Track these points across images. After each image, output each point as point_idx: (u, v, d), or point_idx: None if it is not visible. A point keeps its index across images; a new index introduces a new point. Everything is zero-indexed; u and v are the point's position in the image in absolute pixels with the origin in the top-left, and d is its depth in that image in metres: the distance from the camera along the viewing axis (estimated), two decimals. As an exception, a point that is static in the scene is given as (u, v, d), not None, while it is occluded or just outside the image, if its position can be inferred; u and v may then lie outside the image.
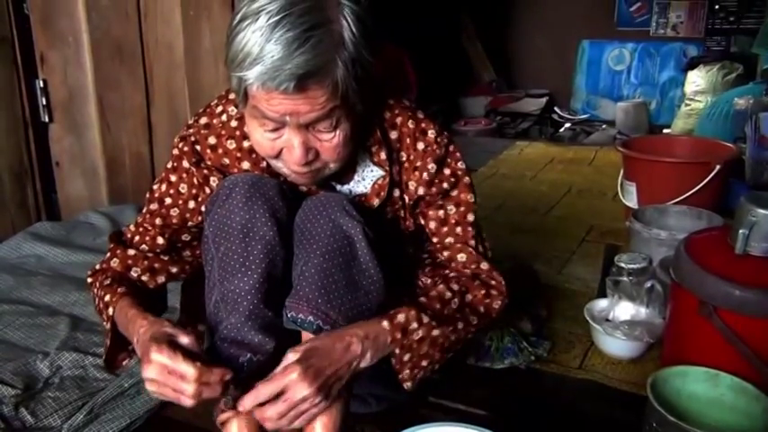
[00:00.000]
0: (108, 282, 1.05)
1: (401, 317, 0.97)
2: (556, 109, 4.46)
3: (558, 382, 1.40)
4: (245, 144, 1.07)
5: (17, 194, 2.15)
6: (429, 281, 1.11)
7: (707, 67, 3.65)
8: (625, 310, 1.52)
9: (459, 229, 1.12)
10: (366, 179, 1.11)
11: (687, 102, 3.70)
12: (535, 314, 1.58)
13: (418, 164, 1.09)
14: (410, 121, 1.09)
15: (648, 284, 1.53)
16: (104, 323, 1.04)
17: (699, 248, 1.29)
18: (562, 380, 1.41)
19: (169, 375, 0.83)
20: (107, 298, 1.02)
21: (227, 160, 1.07)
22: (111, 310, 1.00)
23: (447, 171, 1.10)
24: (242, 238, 0.96)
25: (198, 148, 1.09)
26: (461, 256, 1.10)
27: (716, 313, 1.21)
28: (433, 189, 1.09)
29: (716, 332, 1.21)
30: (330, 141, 0.94)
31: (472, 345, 1.46)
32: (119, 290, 1.02)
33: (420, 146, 1.09)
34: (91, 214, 2.17)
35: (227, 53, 0.89)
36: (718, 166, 1.93)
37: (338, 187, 1.11)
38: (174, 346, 0.84)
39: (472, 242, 1.11)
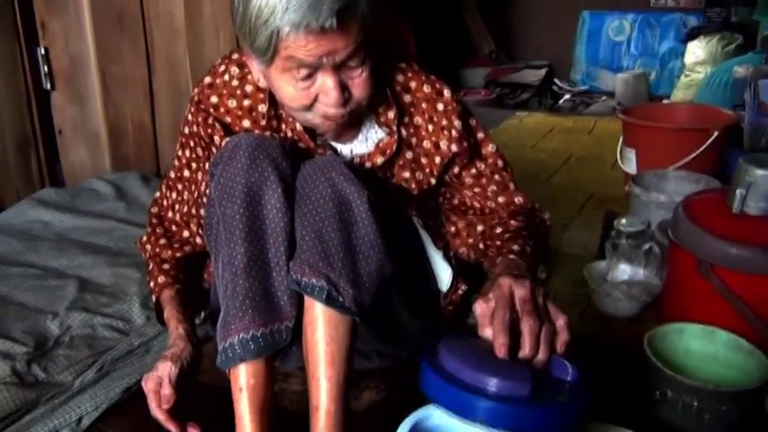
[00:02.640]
0: (150, 266, 1.21)
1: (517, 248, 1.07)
2: (555, 80, 4.46)
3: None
4: (246, 103, 1.09)
5: (21, 163, 2.17)
6: (469, 232, 1.23)
7: (707, 37, 3.65)
8: (623, 271, 1.55)
9: (497, 177, 1.22)
10: (369, 140, 1.13)
11: (687, 72, 3.70)
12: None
13: (444, 122, 1.13)
14: (425, 85, 1.13)
15: (647, 247, 1.55)
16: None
17: (697, 209, 1.32)
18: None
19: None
20: (151, 284, 1.19)
21: (228, 119, 1.10)
22: (153, 298, 1.19)
23: (472, 123, 1.18)
24: (248, 201, 0.96)
25: (202, 107, 1.11)
26: (518, 199, 1.22)
27: (713, 271, 1.24)
28: (465, 144, 1.15)
29: (713, 290, 1.24)
30: (360, 77, 0.98)
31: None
32: (160, 279, 1.17)
33: (440, 107, 1.13)
34: (95, 181, 2.19)
35: (242, 16, 0.91)
36: (716, 133, 1.95)
37: (339, 147, 1.13)
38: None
39: (512, 185, 1.23)
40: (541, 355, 0.87)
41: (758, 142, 2.04)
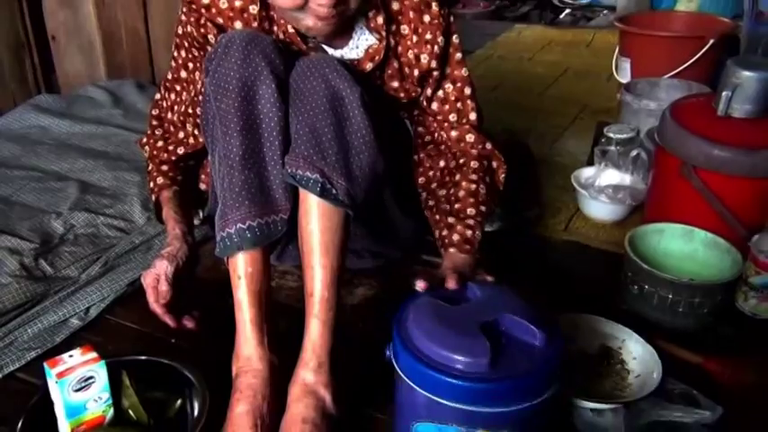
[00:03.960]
0: (150, 167, 1.26)
1: (458, 238, 1.14)
2: (557, -8, 4.35)
3: (543, 243, 1.48)
4: (237, 3, 1.09)
5: (16, 69, 2.16)
6: (431, 164, 1.26)
7: (713, -54, 3.54)
8: (611, 176, 1.59)
9: (459, 105, 1.22)
10: (360, 47, 1.14)
11: (690, -16, 3.62)
12: (524, 182, 1.64)
13: (428, 36, 1.15)
14: None
15: (634, 153, 1.58)
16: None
17: (683, 112, 1.34)
18: (548, 241, 1.49)
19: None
20: (150, 184, 1.25)
21: (220, 20, 1.10)
22: (153, 197, 1.25)
23: (455, 42, 1.19)
24: (242, 95, 0.98)
25: (194, 7, 1.11)
26: (470, 137, 1.22)
27: (695, 173, 1.27)
28: (444, 65, 1.18)
29: (694, 191, 1.28)
30: None
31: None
32: (158, 180, 1.23)
33: (426, 18, 1.14)
34: (90, 88, 2.19)
35: None
36: (712, 40, 1.94)
37: (330, 51, 1.14)
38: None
39: (473, 116, 1.23)
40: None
41: (755, 52, 2.03)
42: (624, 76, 2.13)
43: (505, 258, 1.39)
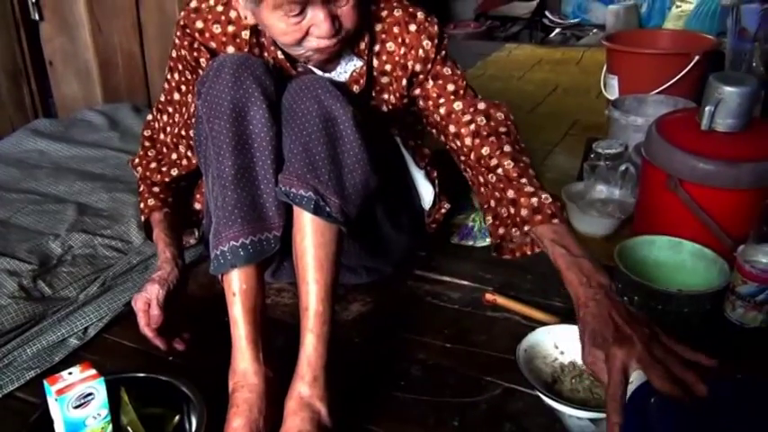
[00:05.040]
0: (141, 188, 1.28)
1: (539, 216, 1.05)
2: (546, 13, 4.42)
3: (535, 257, 1.49)
4: (230, 29, 1.13)
5: (14, 94, 2.19)
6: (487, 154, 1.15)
7: (697, -33, 3.61)
8: (600, 191, 1.61)
9: (444, 100, 1.22)
10: (347, 72, 1.18)
11: (677, 3, 3.68)
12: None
13: (415, 43, 1.17)
14: (396, 10, 1.17)
15: (623, 167, 1.61)
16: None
17: (668, 127, 1.37)
18: (540, 255, 1.50)
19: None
20: (141, 205, 1.27)
21: (213, 44, 1.14)
22: (143, 218, 1.28)
23: (441, 45, 1.20)
24: (234, 116, 1.01)
25: (188, 31, 1.14)
26: (467, 119, 1.18)
27: (681, 186, 1.30)
28: (429, 66, 1.19)
29: (681, 204, 1.31)
30: (348, 5, 1.02)
31: (455, 226, 1.57)
32: (149, 202, 1.26)
33: (412, 27, 1.17)
34: (87, 112, 2.22)
35: None
36: (697, 57, 1.98)
37: (319, 74, 1.17)
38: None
39: (482, 105, 1.20)
40: (697, 388, 0.75)
41: (739, 68, 2.08)
42: (612, 93, 2.17)
43: (497, 271, 1.42)
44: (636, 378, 0.78)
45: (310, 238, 0.98)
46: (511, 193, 1.09)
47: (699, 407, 0.69)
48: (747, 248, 1.17)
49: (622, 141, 1.71)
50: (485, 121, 1.17)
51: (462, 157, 1.20)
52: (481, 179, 1.18)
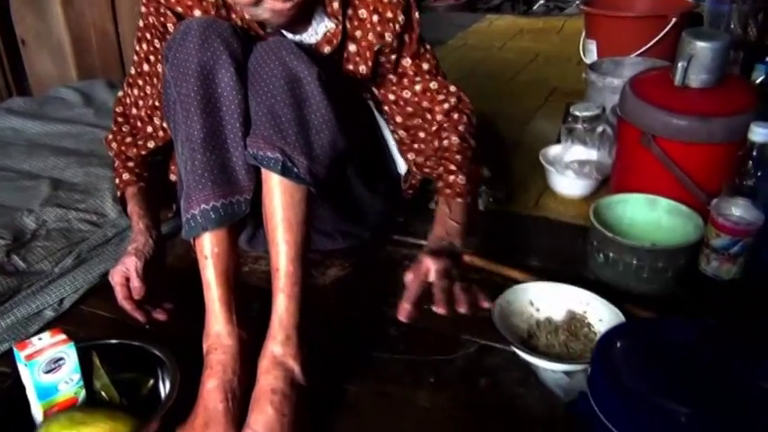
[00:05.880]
0: (116, 163, 1.27)
1: (442, 185, 1.18)
2: (528, -17, 4.39)
3: (514, 220, 1.50)
4: None
5: (-14, 74, 2.16)
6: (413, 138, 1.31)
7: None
8: (577, 153, 1.61)
9: (418, 78, 1.26)
10: (319, 33, 1.17)
11: (658, -31, 3.67)
12: (494, 162, 1.67)
13: (389, 15, 1.17)
14: None
15: (600, 129, 1.61)
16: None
17: (642, 85, 1.37)
18: (518, 218, 1.51)
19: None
20: (116, 180, 1.26)
21: (179, 8, 1.12)
22: (118, 193, 1.27)
23: (415, 17, 1.21)
24: (201, 79, 1.00)
25: None
26: (433, 85, 1.26)
27: (655, 142, 1.30)
28: (404, 38, 1.21)
29: (655, 160, 1.31)
30: None
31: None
32: (124, 176, 1.25)
33: None
34: (61, 89, 2.19)
35: None
36: (674, 19, 1.98)
37: (290, 37, 1.16)
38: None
39: (453, 88, 1.28)
40: (462, 308, 1.00)
41: (717, 29, 2.07)
42: (591, 58, 2.16)
43: (476, 236, 1.42)
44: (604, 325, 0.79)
45: (279, 199, 0.97)
46: (441, 169, 1.21)
47: (663, 350, 0.69)
48: (721, 202, 1.18)
49: (599, 104, 1.71)
50: (456, 102, 1.26)
51: (426, 125, 1.29)
52: (423, 146, 1.30)
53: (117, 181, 1.27)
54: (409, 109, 1.28)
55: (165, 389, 0.96)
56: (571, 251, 1.35)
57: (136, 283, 1.09)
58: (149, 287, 1.11)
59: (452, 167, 1.19)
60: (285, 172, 0.97)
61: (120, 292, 1.10)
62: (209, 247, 0.98)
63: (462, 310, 1.02)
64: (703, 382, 0.64)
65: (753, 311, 1.14)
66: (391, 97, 1.29)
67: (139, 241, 1.14)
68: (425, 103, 1.26)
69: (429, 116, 1.27)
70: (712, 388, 0.64)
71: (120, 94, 1.29)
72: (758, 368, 0.66)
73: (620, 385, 0.66)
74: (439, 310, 1.00)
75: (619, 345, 0.71)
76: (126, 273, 1.10)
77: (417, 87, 1.26)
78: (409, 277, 1.02)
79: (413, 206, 1.49)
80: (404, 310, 0.98)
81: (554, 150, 1.64)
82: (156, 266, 1.15)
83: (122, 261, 1.11)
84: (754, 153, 1.11)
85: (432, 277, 1.01)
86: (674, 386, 0.64)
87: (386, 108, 1.31)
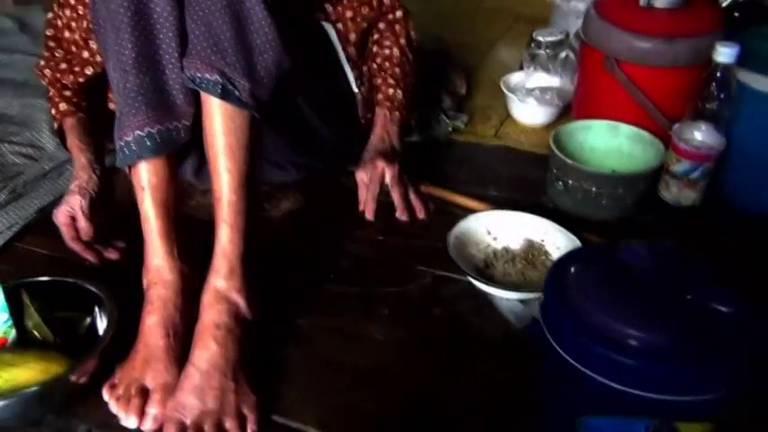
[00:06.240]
0: (51, 92, 1.20)
1: (381, 97, 1.28)
2: None
3: (473, 149, 1.46)
4: None
5: None
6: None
7: None
8: (540, 80, 1.56)
9: None
10: None
11: None
12: (454, 91, 1.61)
13: None
14: None
15: (563, 55, 1.56)
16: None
17: (606, 6, 1.31)
18: (478, 147, 1.46)
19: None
20: (53, 111, 1.19)
21: None
22: (56, 125, 1.20)
23: None
24: None
25: None
26: (388, 8, 1.28)
27: (618, 66, 1.25)
28: None
29: (618, 86, 1.27)
30: None
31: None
32: (61, 107, 1.17)
33: None
34: (-5, 16, 2.05)
35: None
36: (641, -60, 1.90)
37: None
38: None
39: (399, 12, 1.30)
40: (420, 214, 1.19)
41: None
42: (557, -17, 2.08)
43: (435, 165, 1.37)
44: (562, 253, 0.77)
45: (219, 124, 0.90)
46: (380, 81, 1.28)
47: (618, 275, 0.66)
48: (682, 126, 1.14)
49: (563, 29, 1.65)
50: (402, 15, 1.30)
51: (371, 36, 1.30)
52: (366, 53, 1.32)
53: (53, 112, 1.19)
54: (364, 25, 1.23)
55: (103, 327, 0.91)
56: (531, 180, 1.31)
57: (83, 223, 1.04)
58: (97, 226, 1.06)
59: (391, 81, 1.27)
60: (225, 95, 0.90)
61: (67, 233, 1.05)
62: (146, 177, 0.92)
63: (421, 215, 1.18)
64: (657, 307, 0.62)
65: (711, 237, 1.13)
66: (348, 14, 1.22)
67: (82, 178, 1.08)
68: (374, 14, 1.27)
69: (374, 25, 1.29)
70: (666, 312, 0.61)
71: (50, 16, 1.19)
72: (714, 292, 0.63)
73: (572, 311, 0.63)
74: (402, 216, 1.17)
75: (573, 270, 0.68)
76: (71, 212, 1.05)
77: (374, 2, 1.25)
78: (363, 177, 1.19)
79: (368, 135, 1.43)
80: (370, 209, 1.18)
81: (516, 77, 1.59)
82: (103, 203, 1.09)
83: (66, 200, 1.05)
84: (718, 74, 1.07)
85: (389, 183, 1.17)
86: (627, 311, 0.61)
87: (340, 26, 1.23)
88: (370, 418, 0.83)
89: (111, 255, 1.09)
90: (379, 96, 1.27)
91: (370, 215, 1.18)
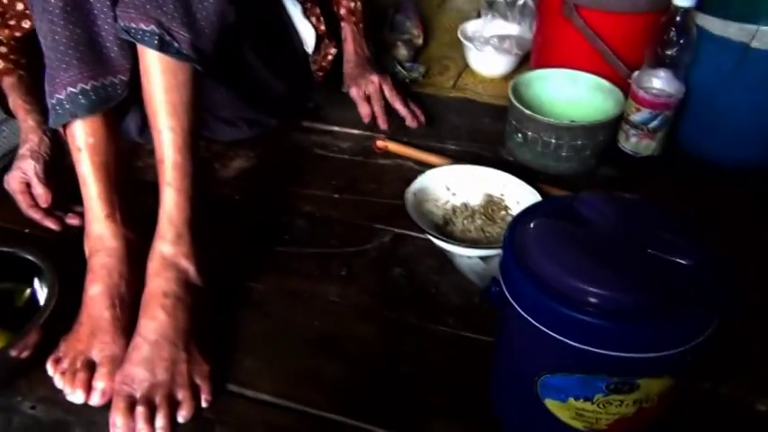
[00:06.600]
0: None
1: (344, 11, 1.33)
2: None
3: (431, 101, 1.41)
4: None
5: None
6: None
7: None
8: (498, 27, 1.52)
9: None
10: None
11: None
12: (410, 41, 1.56)
13: None
14: None
15: (521, 1, 1.51)
16: None
17: (565, -51, 1.26)
18: (435, 99, 1.42)
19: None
20: None
21: None
22: None
23: None
24: None
25: None
26: None
27: (577, 12, 1.22)
28: None
29: (576, 33, 1.23)
30: None
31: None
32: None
33: None
34: None
35: None
36: None
37: None
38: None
39: None
40: (422, 118, 1.29)
41: None
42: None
43: (391, 119, 1.33)
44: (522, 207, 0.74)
45: (159, 80, 0.84)
46: None
47: (577, 228, 0.64)
48: (641, 74, 1.12)
49: (522, -25, 1.60)
50: None
51: None
52: None
53: None
54: None
55: (44, 299, 0.86)
56: (490, 133, 1.28)
57: (39, 189, 0.99)
58: (54, 191, 1.00)
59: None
60: (163, 47, 0.83)
61: (23, 201, 0.99)
62: (82, 138, 0.87)
63: (422, 119, 1.29)
64: (617, 262, 0.60)
65: (671, 187, 1.12)
66: None
67: (33, 141, 1.02)
68: None
69: None
70: (626, 268, 0.60)
71: None
72: (674, 244, 0.61)
73: (531, 269, 0.61)
74: (413, 124, 1.27)
75: (532, 226, 0.65)
76: (25, 178, 0.99)
77: None
78: (358, 92, 1.28)
79: (324, 90, 1.38)
80: (383, 120, 1.27)
81: (473, 26, 1.54)
82: (57, 166, 1.03)
83: (17, 165, 0.99)
84: (678, 18, 1.05)
85: (387, 95, 1.27)
86: (586, 268, 0.59)
87: None
88: (328, 384, 0.81)
89: (73, 221, 1.03)
90: (342, 11, 1.32)
91: (384, 125, 1.26)
